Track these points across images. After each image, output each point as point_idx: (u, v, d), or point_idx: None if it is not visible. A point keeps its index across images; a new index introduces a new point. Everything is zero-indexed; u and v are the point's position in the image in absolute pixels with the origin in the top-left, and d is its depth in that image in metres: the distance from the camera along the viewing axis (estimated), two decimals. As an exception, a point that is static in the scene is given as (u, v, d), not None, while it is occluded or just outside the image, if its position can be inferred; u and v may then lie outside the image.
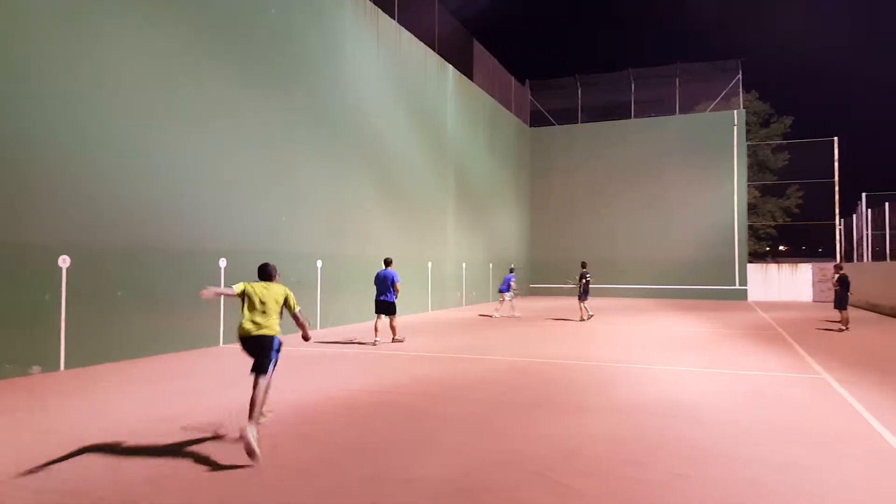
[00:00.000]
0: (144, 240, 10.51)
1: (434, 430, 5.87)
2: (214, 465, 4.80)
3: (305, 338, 6.10)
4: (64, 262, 9.20)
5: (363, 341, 12.53)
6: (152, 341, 10.55)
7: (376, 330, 12.23)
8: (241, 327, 5.60)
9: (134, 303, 10.25)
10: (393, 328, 12.39)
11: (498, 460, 4.96)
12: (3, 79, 8.56)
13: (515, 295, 19.52)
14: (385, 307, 12.26)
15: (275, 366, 5.64)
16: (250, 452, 4.74)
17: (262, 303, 5.62)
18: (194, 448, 5.24)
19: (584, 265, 18.37)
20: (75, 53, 9.51)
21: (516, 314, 19.35)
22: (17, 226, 8.62)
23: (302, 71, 14.80)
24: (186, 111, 11.45)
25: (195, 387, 7.93)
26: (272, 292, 5.72)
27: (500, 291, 19.10)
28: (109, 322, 9.82)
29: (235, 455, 5.00)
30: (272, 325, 5.65)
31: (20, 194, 8.70)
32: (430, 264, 21.10)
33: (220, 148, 12.23)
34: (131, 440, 5.48)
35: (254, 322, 5.56)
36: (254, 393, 5.35)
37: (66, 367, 9.11)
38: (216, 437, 5.55)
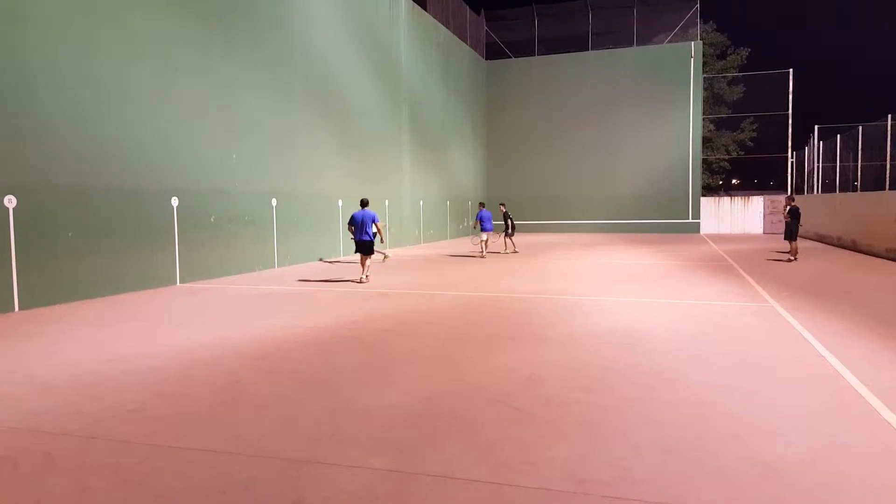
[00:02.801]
0: (94, 179, 10.23)
1: (393, 364, 5.89)
2: (175, 402, 4.76)
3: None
4: (10, 202, 8.94)
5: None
6: (107, 281, 10.42)
7: (364, 266, 12.31)
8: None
9: (86, 243, 10.06)
10: (364, 265, 12.36)
11: (456, 389, 5.01)
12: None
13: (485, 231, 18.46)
14: (364, 246, 12.22)
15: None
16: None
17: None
18: (153, 386, 5.17)
19: (502, 205, 19.64)
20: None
21: (491, 250, 19.12)
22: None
23: (246, 5, 14.01)
24: (134, 49, 10.97)
25: (149, 327, 7.75)
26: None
27: (486, 230, 17.96)
28: (62, 262, 9.67)
29: (194, 392, 4.97)
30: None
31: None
32: (386, 202, 20.87)
33: (170, 86, 11.78)
34: (88, 379, 5.40)
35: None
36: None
37: (21, 307, 9.04)
38: (176, 375, 5.45)
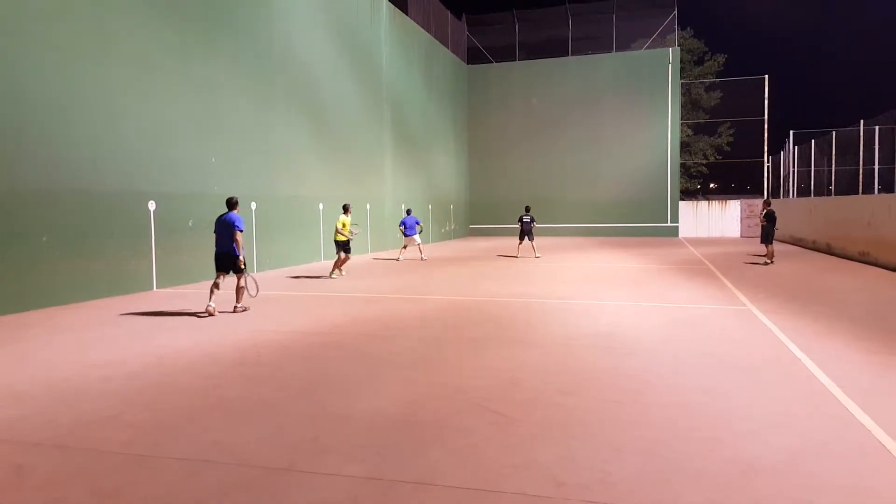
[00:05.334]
0: (69, 182, 10.06)
1: (375, 368, 5.85)
2: (151, 409, 4.68)
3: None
4: None
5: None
6: (82, 287, 10.25)
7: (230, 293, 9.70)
8: None
9: (60, 247, 9.88)
10: (237, 291, 9.19)
11: (438, 393, 4.99)
12: None
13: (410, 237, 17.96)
14: (227, 261, 9.09)
15: None
16: None
17: None
18: (131, 394, 5.07)
19: (527, 209, 19.17)
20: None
21: (424, 257, 18.46)
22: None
23: (227, 5, 13.91)
24: (111, 50, 10.83)
25: (125, 333, 7.61)
26: None
27: (409, 235, 17.62)
28: (35, 267, 9.47)
29: (172, 399, 4.89)
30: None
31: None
32: (368, 206, 20.79)
33: (147, 87, 11.63)
34: (62, 386, 5.29)
35: None
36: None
37: None
38: (153, 382, 5.36)
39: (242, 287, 9.11)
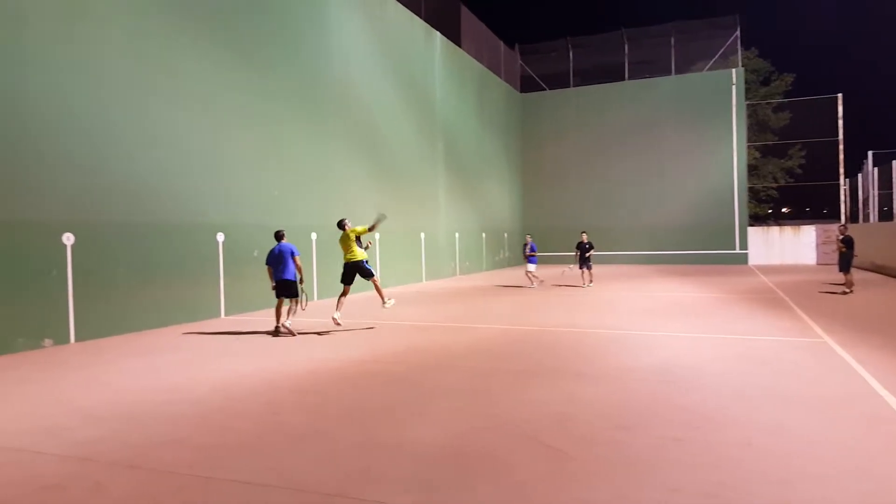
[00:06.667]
0: (143, 216, 10.70)
1: (427, 398, 5.84)
2: (216, 433, 4.89)
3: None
4: (68, 239, 9.42)
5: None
6: (155, 314, 10.81)
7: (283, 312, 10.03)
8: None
9: (137, 277, 10.50)
10: (289, 311, 9.94)
11: (490, 425, 4.92)
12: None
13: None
14: (288, 287, 9.88)
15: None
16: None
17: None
18: (195, 417, 5.29)
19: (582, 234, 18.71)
20: (66, 24, 9.48)
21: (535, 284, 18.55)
22: (17, 204, 8.79)
23: (287, 43, 14.59)
24: (178, 89, 11.50)
25: (193, 358, 7.94)
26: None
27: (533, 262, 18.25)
28: (114, 296, 10.10)
29: (235, 424, 5.06)
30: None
31: (22, 173, 8.84)
32: (422, 235, 21.00)
33: (213, 124, 12.28)
34: (134, 409, 5.60)
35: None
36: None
37: (77, 339, 9.46)
38: (216, 407, 5.55)
39: (295, 308, 9.96)
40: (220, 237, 12.25)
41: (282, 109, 14.27)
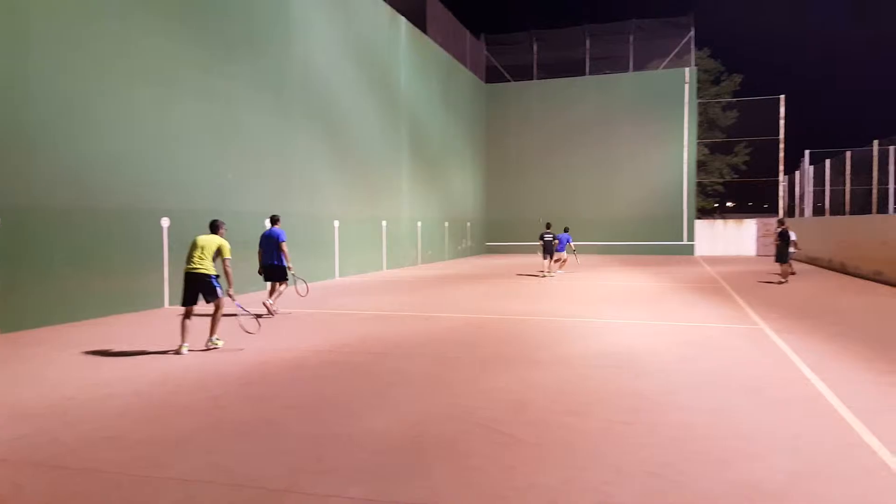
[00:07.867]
0: (80, 199, 10.09)
1: (382, 388, 5.90)
2: (155, 428, 4.74)
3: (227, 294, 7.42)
4: None
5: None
6: (93, 304, 10.27)
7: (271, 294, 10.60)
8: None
9: (71, 264, 9.91)
10: (273, 291, 10.61)
11: (445, 413, 5.02)
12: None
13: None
14: (273, 272, 10.56)
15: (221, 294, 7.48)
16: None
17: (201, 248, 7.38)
18: (134, 412, 5.15)
19: (547, 226, 19.10)
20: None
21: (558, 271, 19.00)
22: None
23: (246, 24, 14.18)
24: (124, 66, 10.92)
25: (131, 349, 7.71)
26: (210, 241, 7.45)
27: (560, 251, 18.70)
28: (46, 284, 9.50)
29: (177, 418, 4.95)
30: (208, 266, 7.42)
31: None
32: (384, 223, 20.94)
33: (161, 104, 11.72)
34: (67, 405, 5.34)
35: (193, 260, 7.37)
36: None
37: (4, 330, 8.82)
38: (157, 401, 5.45)
39: (282, 292, 10.59)
40: (165, 222, 11.73)
41: (239, 90, 13.85)
